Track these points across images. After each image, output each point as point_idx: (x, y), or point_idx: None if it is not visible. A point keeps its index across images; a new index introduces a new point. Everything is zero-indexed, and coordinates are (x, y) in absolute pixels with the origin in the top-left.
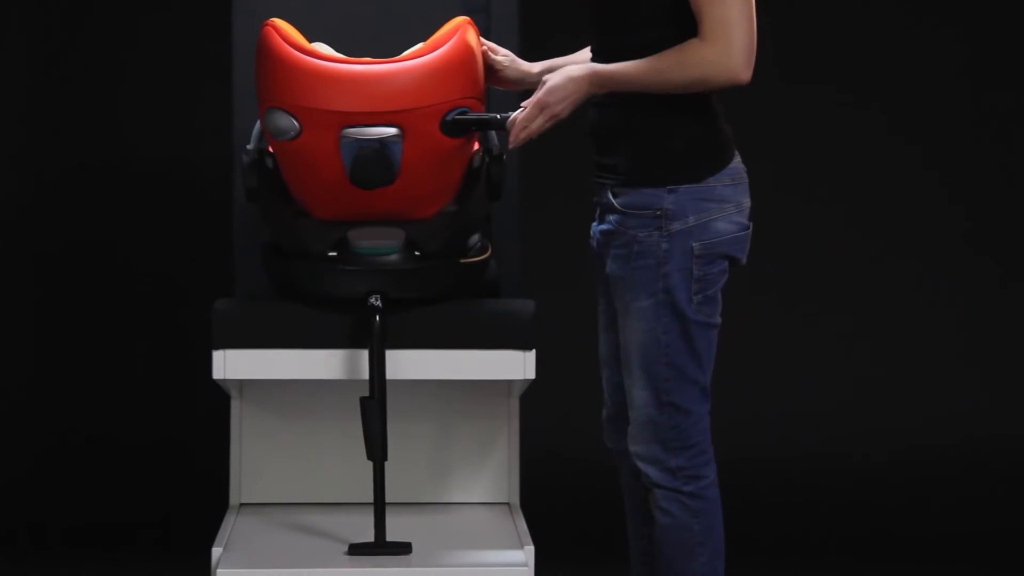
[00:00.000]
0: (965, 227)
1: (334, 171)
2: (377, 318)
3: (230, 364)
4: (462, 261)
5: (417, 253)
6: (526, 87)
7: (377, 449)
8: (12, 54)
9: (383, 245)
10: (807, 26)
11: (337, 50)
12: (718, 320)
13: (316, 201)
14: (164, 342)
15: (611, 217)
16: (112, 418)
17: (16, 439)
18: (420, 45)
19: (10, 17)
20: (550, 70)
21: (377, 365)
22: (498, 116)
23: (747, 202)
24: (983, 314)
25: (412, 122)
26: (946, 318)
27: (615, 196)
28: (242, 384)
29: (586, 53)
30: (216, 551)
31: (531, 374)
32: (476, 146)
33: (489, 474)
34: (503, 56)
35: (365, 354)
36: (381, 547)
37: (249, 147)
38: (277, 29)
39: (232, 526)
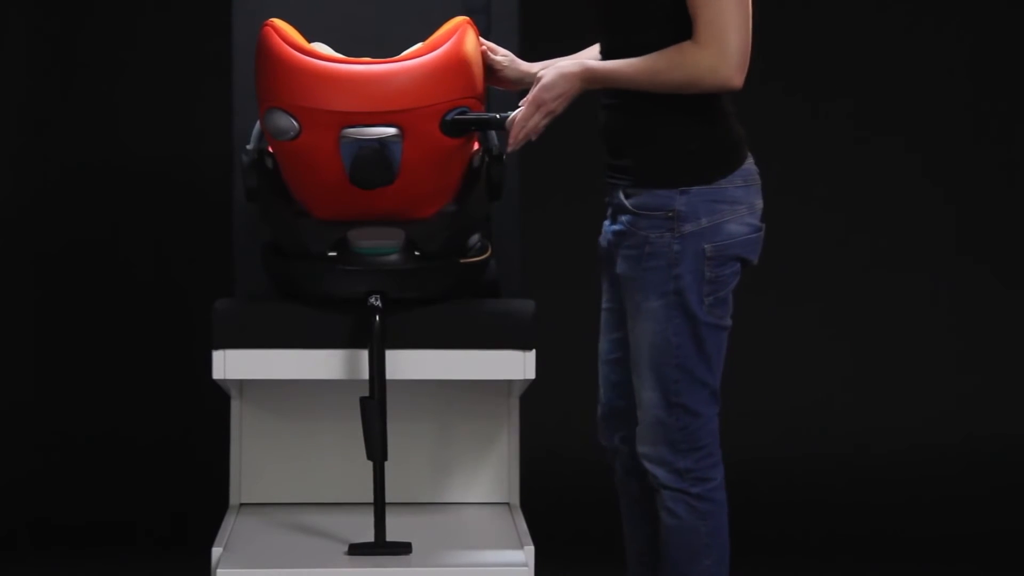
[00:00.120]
0: (966, 228)
1: (334, 171)
2: (377, 318)
3: (230, 364)
4: (462, 261)
5: (417, 253)
6: (525, 87)
7: (377, 449)
8: (12, 54)
9: (383, 245)
10: (808, 28)
11: (337, 50)
12: (728, 322)
13: (316, 201)
14: (164, 342)
15: (623, 218)
16: (112, 418)
17: (17, 439)
18: (420, 45)
19: (10, 17)
20: None
21: (377, 365)
22: (498, 116)
23: (759, 203)
24: (984, 315)
25: (412, 122)
26: (947, 319)
27: (627, 197)
28: (242, 384)
29: (587, 53)
30: (216, 551)
31: (531, 374)
32: (476, 146)
33: (489, 474)
34: (502, 56)
35: (365, 354)
36: (381, 547)
37: (249, 147)
38: (277, 29)
39: (232, 526)
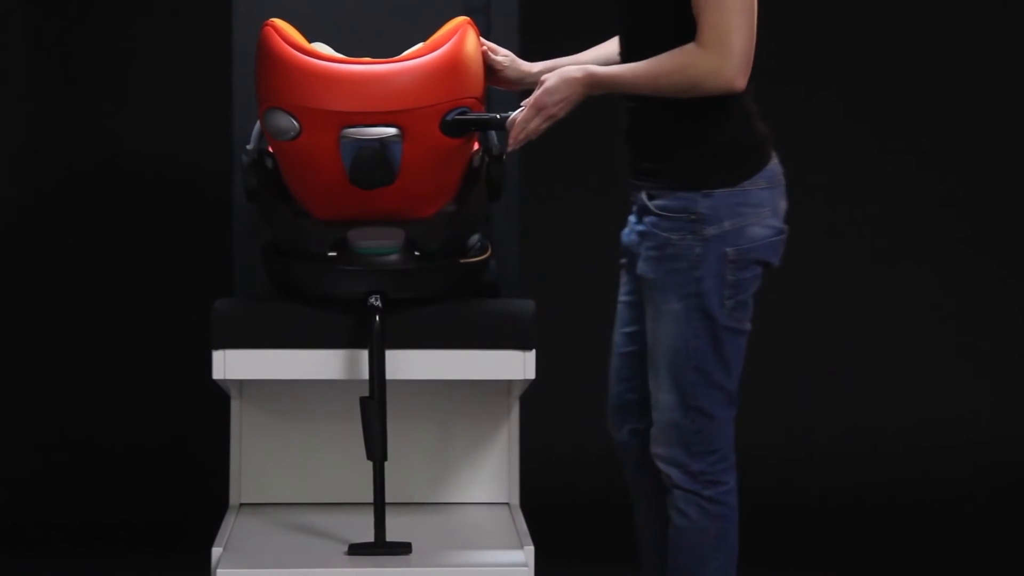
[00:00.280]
0: (966, 228)
1: (334, 171)
2: (377, 318)
3: (230, 364)
4: (462, 261)
5: (417, 253)
6: (526, 87)
7: (377, 449)
8: (12, 54)
9: (383, 245)
10: (810, 27)
11: (337, 50)
12: (748, 327)
13: (316, 201)
14: (165, 342)
15: (646, 219)
16: (112, 418)
17: (17, 439)
18: (420, 45)
19: (10, 17)
20: (550, 70)
21: (377, 365)
22: (498, 116)
23: (783, 204)
24: (985, 315)
25: (412, 122)
26: (948, 319)
27: (650, 199)
28: (242, 384)
29: (589, 54)
30: (216, 551)
31: (531, 374)
32: (476, 146)
33: (489, 474)
34: (503, 56)
35: (365, 354)
36: (381, 547)
37: (249, 147)
38: (277, 29)
39: (232, 526)
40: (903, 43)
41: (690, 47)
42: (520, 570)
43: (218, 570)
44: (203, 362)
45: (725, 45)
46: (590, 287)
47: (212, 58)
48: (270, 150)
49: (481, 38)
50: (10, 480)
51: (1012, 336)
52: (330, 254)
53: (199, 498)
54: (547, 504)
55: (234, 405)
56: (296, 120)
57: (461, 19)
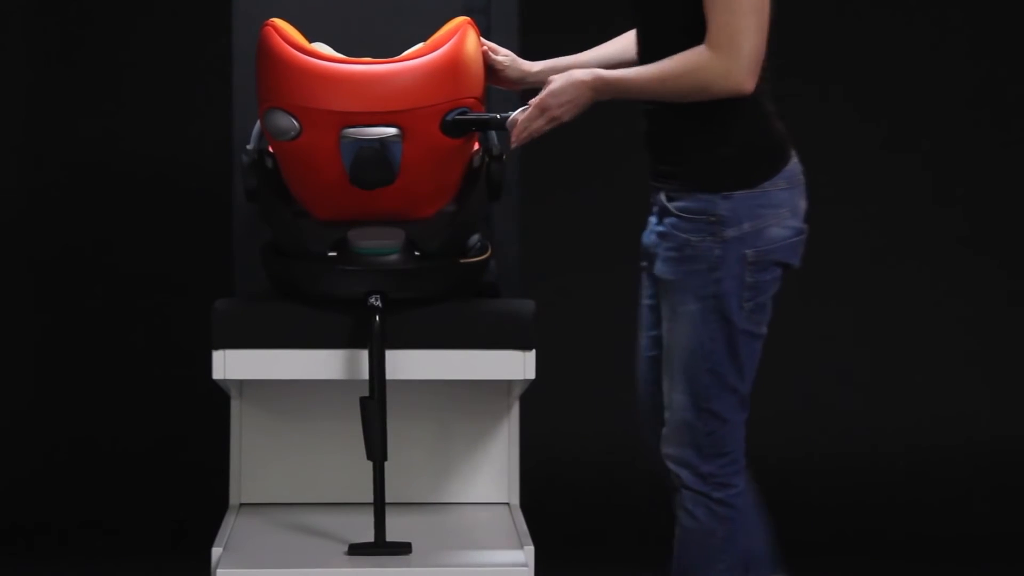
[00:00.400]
0: (966, 228)
1: (334, 171)
2: (377, 318)
3: (230, 364)
4: (462, 261)
5: (417, 253)
6: (527, 86)
7: (377, 449)
8: (12, 54)
9: (383, 245)
10: (810, 27)
11: (337, 50)
12: (764, 331)
13: (316, 201)
14: (164, 342)
15: (666, 220)
16: (112, 418)
17: (17, 440)
18: (420, 45)
19: (11, 18)
20: (551, 69)
21: (377, 365)
22: (498, 116)
23: (803, 204)
24: (986, 315)
25: (412, 122)
26: (948, 319)
27: (670, 200)
28: (242, 384)
29: (592, 53)
30: (216, 551)
31: (531, 374)
32: (476, 146)
33: (489, 474)
34: (503, 56)
35: (365, 354)
36: (381, 547)
37: (249, 147)
38: (277, 29)
39: (232, 526)
40: (903, 43)
41: (699, 49)
42: (520, 570)
43: (218, 570)
44: (203, 362)
45: (734, 47)
46: (590, 287)
47: (212, 58)
48: (270, 150)
49: (481, 38)
50: (10, 480)
51: (1012, 336)
52: (330, 254)
53: (199, 498)
54: (547, 504)
55: (234, 405)
56: (296, 120)
57: (461, 19)
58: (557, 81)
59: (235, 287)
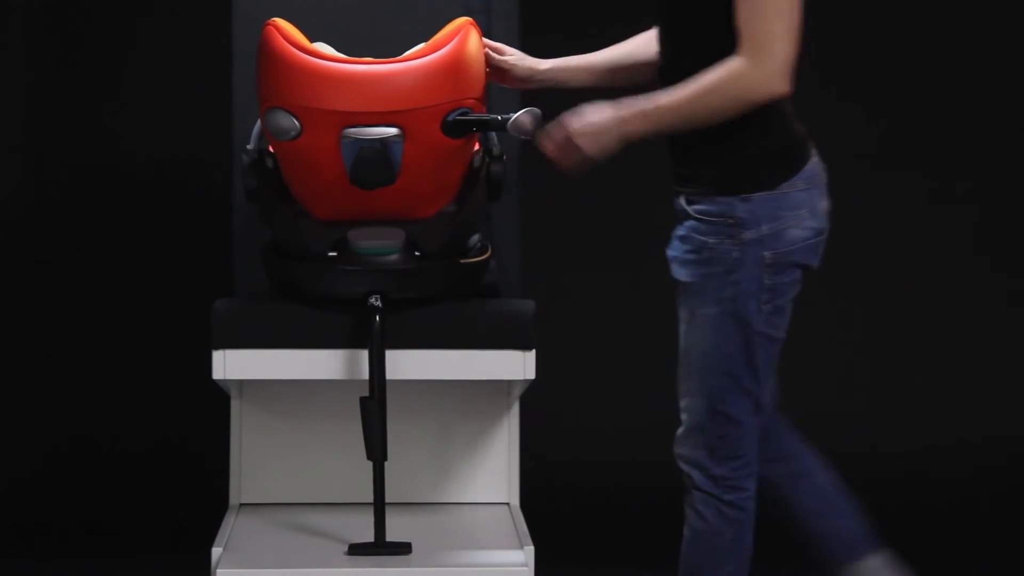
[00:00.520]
0: (967, 228)
1: (334, 171)
2: (377, 318)
3: (230, 364)
4: (462, 261)
5: (417, 253)
6: (535, 85)
7: (377, 449)
8: (12, 54)
9: (383, 245)
10: (809, 27)
11: (338, 50)
12: (782, 335)
13: (316, 201)
14: (164, 342)
15: (685, 223)
16: (112, 418)
17: (17, 440)
18: (421, 45)
19: (11, 18)
20: (560, 68)
21: (377, 365)
22: (499, 117)
23: (822, 204)
24: (986, 315)
25: (413, 122)
26: (948, 319)
27: (689, 203)
28: (242, 384)
29: (602, 54)
30: (216, 551)
31: (531, 374)
32: (476, 146)
33: (489, 474)
34: (510, 55)
35: (365, 354)
36: (381, 547)
37: (249, 147)
38: (279, 29)
39: (232, 526)
40: (903, 43)
41: (731, 61)
42: (520, 570)
43: (218, 570)
44: (203, 362)
45: (768, 53)
46: (590, 287)
47: (212, 58)
48: (271, 150)
49: (488, 40)
50: (10, 480)
51: (1012, 337)
52: (330, 254)
53: (199, 498)
54: (547, 504)
55: (234, 405)
56: (297, 120)
57: (463, 20)
58: (588, 113)
59: (235, 287)
